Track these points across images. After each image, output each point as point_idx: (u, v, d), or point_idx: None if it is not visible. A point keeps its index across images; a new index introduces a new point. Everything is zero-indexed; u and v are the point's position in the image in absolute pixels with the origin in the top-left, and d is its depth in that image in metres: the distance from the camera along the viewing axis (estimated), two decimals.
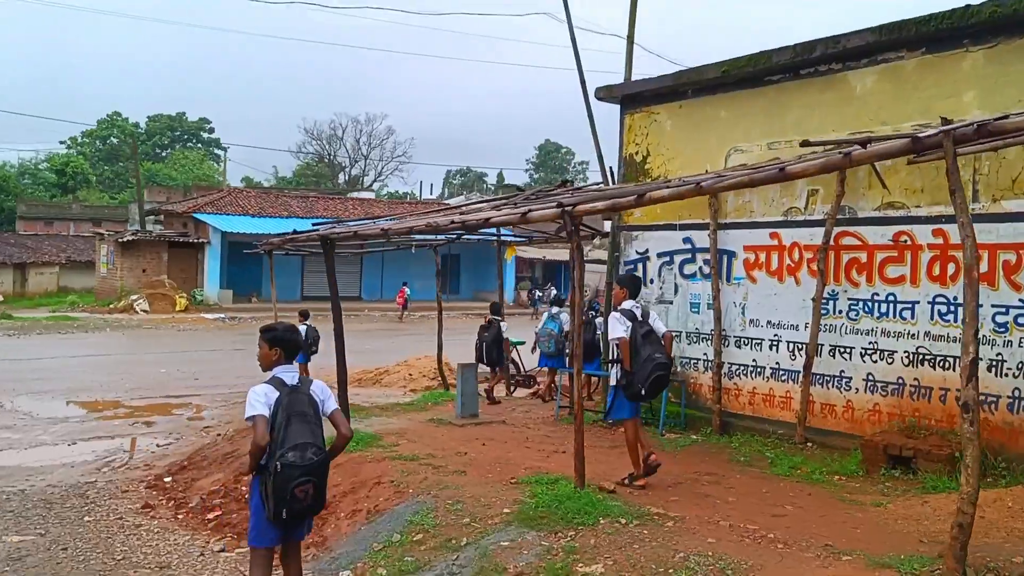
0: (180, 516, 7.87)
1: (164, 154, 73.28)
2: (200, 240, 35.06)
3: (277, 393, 4.60)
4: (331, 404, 4.81)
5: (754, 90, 9.18)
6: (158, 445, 11.54)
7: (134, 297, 31.74)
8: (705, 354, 9.65)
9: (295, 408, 4.57)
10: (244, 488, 8.18)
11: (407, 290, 34.58)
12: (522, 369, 14.63)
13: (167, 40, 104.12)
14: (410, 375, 17.84)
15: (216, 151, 77.16)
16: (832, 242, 8.35)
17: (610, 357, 7.23)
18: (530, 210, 6.56)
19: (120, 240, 33.93)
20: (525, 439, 9.30)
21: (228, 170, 71.48)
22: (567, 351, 11.77)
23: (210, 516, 7.63)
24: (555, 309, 12.69)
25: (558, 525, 5.70)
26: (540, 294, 35.50)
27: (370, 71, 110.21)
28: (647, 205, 6.04)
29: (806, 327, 8.62)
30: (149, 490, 8.99)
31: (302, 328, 16.27)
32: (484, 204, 8.42)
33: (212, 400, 15.07)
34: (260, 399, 4.58)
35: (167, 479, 9.35)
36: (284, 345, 4.78)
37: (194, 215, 35.37)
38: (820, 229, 8.49)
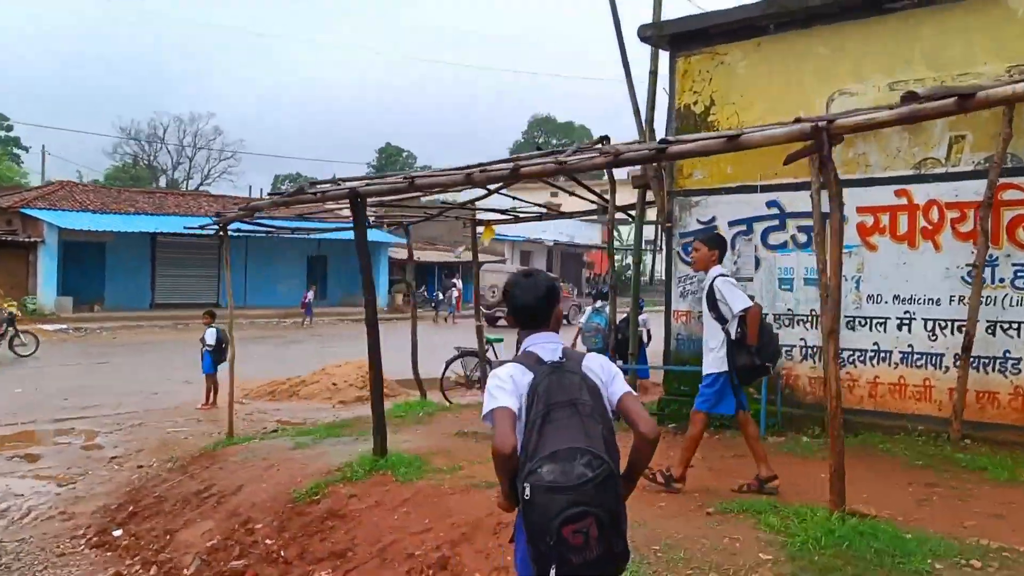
0: None
1: None
2: (31, 239, 29.96)
3: (530, 375, 2.78)
4: (619, 386, 2.84)
5: (868, 20, 7.65)
6: (60, 485, 8.68)
7: None
8: (803, 339, 8.01)
9: (557, 395, 2.69)
10: (269, 541, 5.68)
11: (310, 294, 31.58)
12: None
13: None
14: (334, 384, 15.25)
15: (15, 151, 68.57)
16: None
17: (732, 332, 5.65)
18: (746, 132, 4.64)
19: None
20: None
21: (26, 172, 63.11)
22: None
23: None
24: (600, 303, 11.42)
25: (877, 574, 3.81)
26: (441, 295, 33.06)
27: (197, 65, 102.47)
28: (977, 109, 4.29)
29: (951, 301, 7.16)
30: (97, 550, 6.27)
31: (212, 332, 13.44)
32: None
33: (100, 424, 12.04)
34: (504, 385, 2.78)
35: (116, 532, 6.62)
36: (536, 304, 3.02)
37: (22, 210, 30.19)
38: (969, 183, 7.06)
